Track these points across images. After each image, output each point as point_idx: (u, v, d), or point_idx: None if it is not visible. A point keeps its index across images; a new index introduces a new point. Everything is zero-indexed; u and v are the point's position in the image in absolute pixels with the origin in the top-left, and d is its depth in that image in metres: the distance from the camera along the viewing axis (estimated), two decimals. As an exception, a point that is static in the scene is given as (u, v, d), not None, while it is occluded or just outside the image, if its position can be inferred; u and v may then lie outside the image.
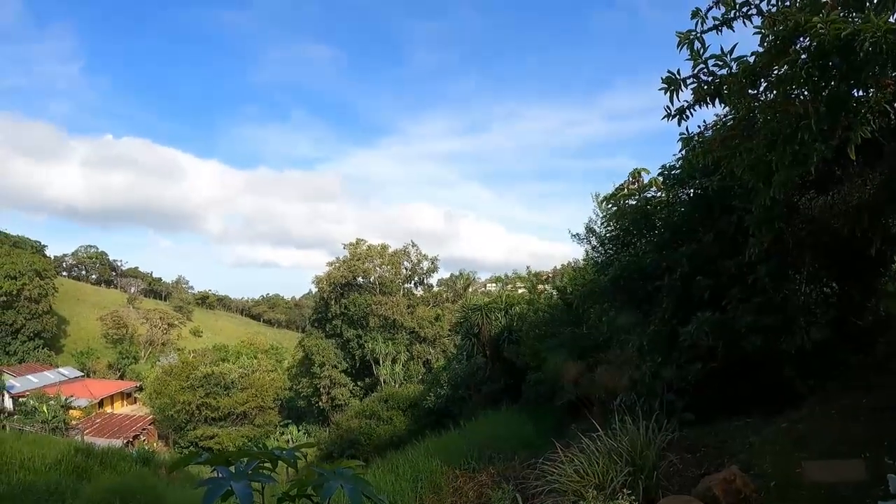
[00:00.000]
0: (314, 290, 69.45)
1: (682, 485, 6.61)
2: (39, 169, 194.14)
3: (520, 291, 30.62)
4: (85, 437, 34.37)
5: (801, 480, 5.71)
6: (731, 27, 5.50)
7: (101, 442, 27.12)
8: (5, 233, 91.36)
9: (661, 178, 10.68)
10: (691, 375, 8.49)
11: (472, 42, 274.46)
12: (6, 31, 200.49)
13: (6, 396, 53.70)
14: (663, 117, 6.21)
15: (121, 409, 67.92)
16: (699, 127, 6.87)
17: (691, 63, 5.73)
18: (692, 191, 9.93)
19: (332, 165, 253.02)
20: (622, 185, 12.67)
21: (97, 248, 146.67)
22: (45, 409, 44.95)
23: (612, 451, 6.92)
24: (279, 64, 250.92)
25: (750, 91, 5.57)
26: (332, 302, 61.92)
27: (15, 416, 43.69)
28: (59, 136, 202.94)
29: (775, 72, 5.27)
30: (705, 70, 5.71)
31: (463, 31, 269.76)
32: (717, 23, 5.50)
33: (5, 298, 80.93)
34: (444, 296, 69.09)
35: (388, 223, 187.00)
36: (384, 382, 51.72)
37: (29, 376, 63.01)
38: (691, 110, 6.12)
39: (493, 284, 61.03)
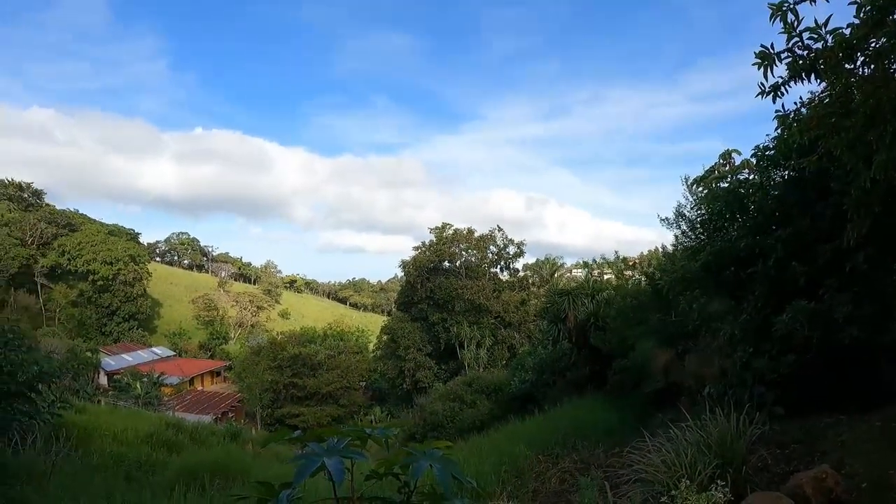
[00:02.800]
0: (400, 273, 70.63)
1: (770, 481, 6.36)
2: (134, 163, 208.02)
3: (606, 277, 30.09)
4: (176, 413, 35.99)
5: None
6: (825, -4, 5.18)
7: (191, 417, 28.50)
8: (101, 222, 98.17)
9: (753, 160, 10.20)
10: (783, 367, 8.10)
11: (552, 25, 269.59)
12: (96, 35, 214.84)
13: (102, 374, 57.23)
14: (757, 94, 5.93)
15: (210, 386, 71.43)
16: (795, 104, 6.53)
17: (785, 37, 5.44)
18: (787, 172, 9.42)
19: (415, 152, 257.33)
20: (713, 167, 12.17)
21: (189, 235, 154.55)
22: (138, 385, 47.52)
23: (701, 443, 6.74)
24: (360, 54, 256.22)
25: (846, 65, 5.23)
26: (419, 285, 62.79)
27: (110, 392, 46.42)
28: (151, 131, 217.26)
29: (872, 44, 4.92)
30: (800, 43, 5.40)
31: (543, 15, 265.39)
32: (810, -8, 5.18)
33: (102, 283, 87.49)
34: (531, 280, 68.68)
35: (472, 208, 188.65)
36: (468, 366, 52.02)
37: (123, 355, 67.24)
38: (786, 87, 5.81)
39: (580, 270, 60.16)
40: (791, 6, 5.19)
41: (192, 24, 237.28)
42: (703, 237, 11.91)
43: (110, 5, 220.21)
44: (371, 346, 77.62)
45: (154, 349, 78.57)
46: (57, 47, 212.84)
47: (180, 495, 9.10)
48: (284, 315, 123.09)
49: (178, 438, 15.64)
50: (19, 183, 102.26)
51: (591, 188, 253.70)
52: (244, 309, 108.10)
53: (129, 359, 65.76)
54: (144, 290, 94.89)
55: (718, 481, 5.72)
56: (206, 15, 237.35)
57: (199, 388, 68.36)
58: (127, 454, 12.50)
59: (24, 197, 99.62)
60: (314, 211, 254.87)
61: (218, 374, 77.64)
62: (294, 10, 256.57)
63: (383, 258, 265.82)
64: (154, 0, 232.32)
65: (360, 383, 62.36)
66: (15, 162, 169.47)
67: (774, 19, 5.32)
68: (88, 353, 51.98)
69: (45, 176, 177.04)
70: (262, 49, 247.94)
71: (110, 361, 62.07)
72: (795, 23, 5.25)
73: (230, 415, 52.01)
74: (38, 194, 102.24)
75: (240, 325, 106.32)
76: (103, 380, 56.46)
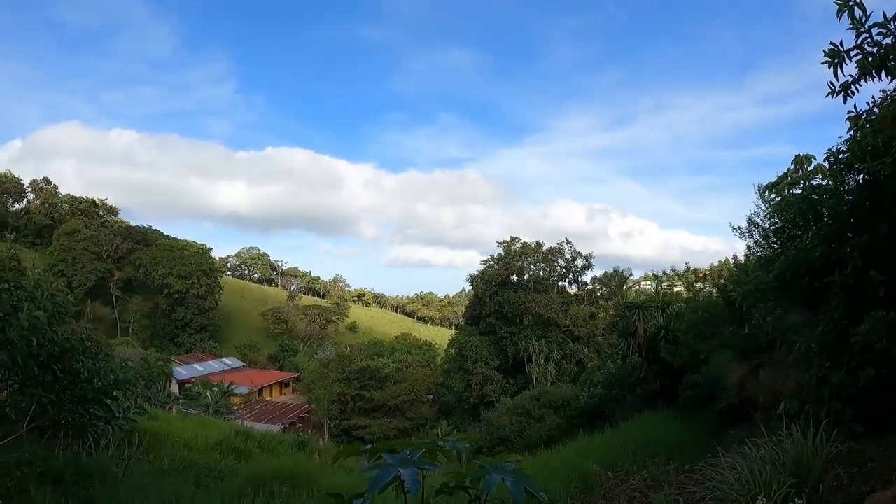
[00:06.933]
0: (468, 287, 70.78)
1: (845, 501, 6.04)
2: (208, 182, 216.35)
3: (676, 289, 29.35)
4: (244, 422, 36.54)
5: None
6: (892, -10, 4.94)
7: (260, 427, 28.68)
8: (175, 238, 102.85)
9: (826, 164, 9.74)
10: (862, 382, 7.68)
11: (611, 33, 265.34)
12: (166, 62, 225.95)
13: (174, 382, 59.01)
14: (827, 94, 5.72)
15: (278, 397, 73.01)
16: (868, 104, 6.24)
17: (853, 33, 5.22)
18: (861, 176, 8.95)
19: (480, 166, 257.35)
20: (785, 173, 11.70)
21: (259, 250, 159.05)
22: (208, 394, 48.61)
23: (776, 460, 6.49)
24: (424, 71, 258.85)
25: (918, 61, 4.97)
26: (487, 299, 62.71)
27: (181, 401, 47.54)
28: (224, 151, 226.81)
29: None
30: (869, 40, 5.17)
31: (601, 23, 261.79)
32: (877, -14, 4.95)
33: (177, 296, 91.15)
34: (599, 293, 67.64)
35: (537, 221, 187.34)
36: (536, 380, 51.45)
37: (195, 365, 69.52)
38: (856, 85, 5.58)
39: (649, 282, 58.77)
40: (858, 1, 4.98)
41: (256, 48, 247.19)
42: (776, 246, 11.47)
43: (178, 34, 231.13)
44: (439, 360, 77.73)
45: (224, 360, 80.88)
46: (130, 74, 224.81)
47: (249, 502, 9.29)
48: (353, 328, 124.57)
49: (246, 446, 15.78)
50: (93, 199, 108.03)
51: (657, 197, 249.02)
52: (313, 322, 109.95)
53: (200, 369, 67.89)
54: (216, 302, 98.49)
55: (796, 500, 5.50)
56: (270, 39, 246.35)
57: (268, 398, 69.95)
58: (197, 460, 12.68)
59: (99, 213, 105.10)
60: (381, 226, 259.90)
61: (286, 385, 79.24)
62: (357, 31, 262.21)
63: (450, 272, 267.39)
64: (219, 28, 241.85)
65: (427, 396, 62.52)
66: (98, 183, 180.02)
67: (841, 15, 5.13)
68: (161, 363, 53.94)
69: (124, 195, 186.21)
70: (327, 70, 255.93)
71: (182, 371, 64.09)
72: (863, 18, 5.04)
73: (298, 425, 52.72)
74: (112, 211, 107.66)
75: (308, 338, 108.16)
76: (175, 388, 57.93)
